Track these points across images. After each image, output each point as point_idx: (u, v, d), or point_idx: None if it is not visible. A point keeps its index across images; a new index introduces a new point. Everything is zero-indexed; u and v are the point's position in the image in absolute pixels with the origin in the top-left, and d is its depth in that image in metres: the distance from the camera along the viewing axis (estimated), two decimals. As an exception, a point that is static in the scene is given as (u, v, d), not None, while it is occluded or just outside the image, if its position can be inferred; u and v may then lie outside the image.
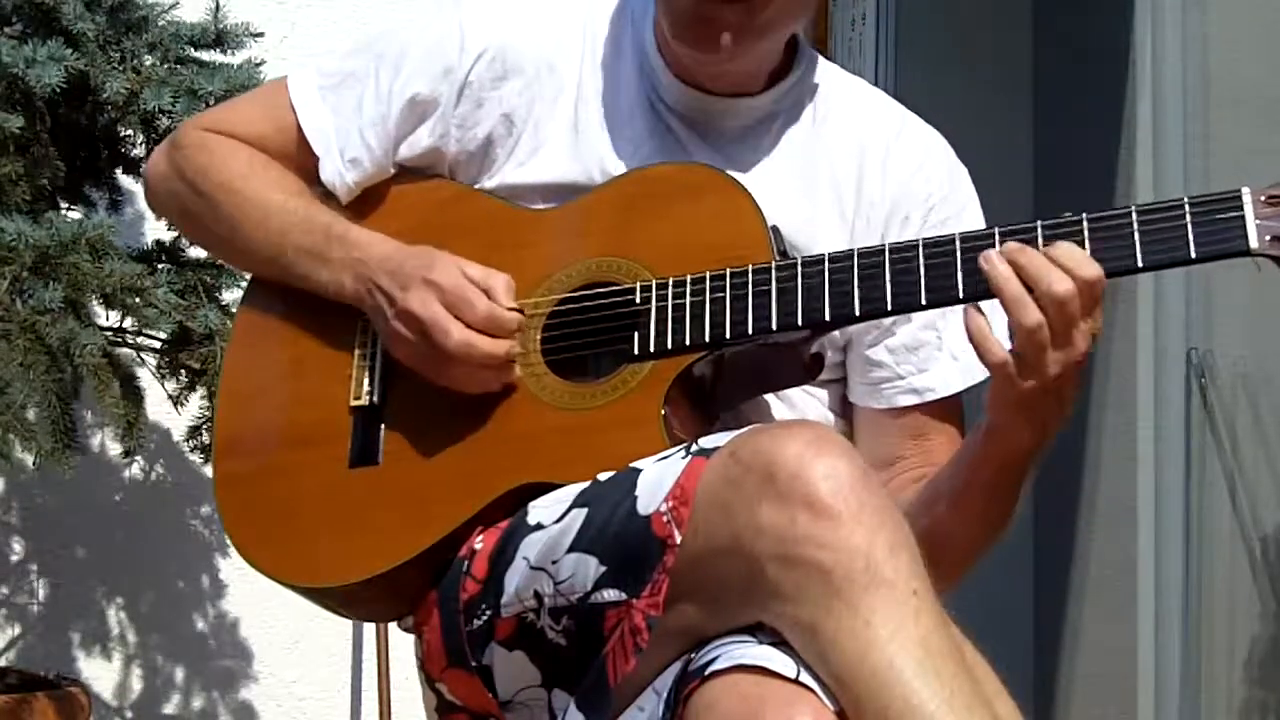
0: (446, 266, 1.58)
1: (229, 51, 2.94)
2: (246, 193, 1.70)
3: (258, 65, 2.90)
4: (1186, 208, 1.42)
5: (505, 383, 1.58)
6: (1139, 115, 3.58)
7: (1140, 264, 1.43)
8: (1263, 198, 1.41)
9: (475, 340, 1.55)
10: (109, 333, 2.72)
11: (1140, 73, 3.57)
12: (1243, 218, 1.41)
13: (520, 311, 1.58)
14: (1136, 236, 1.43)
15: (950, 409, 1.66)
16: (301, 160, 1.72)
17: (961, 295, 1.47)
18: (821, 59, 1.74)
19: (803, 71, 1.70)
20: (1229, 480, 3.46)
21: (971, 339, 1.43)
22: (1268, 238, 1.40)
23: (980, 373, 1.55)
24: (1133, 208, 1.44)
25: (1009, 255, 1.42)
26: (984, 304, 1.44)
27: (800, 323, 1.51)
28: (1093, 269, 1.40)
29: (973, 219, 1.67)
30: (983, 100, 4.03)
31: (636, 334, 1.55)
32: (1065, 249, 1.41)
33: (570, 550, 1.40)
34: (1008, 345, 1.43)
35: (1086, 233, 1.44)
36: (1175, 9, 3.54)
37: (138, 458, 3.16)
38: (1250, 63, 3.53)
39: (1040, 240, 1.44)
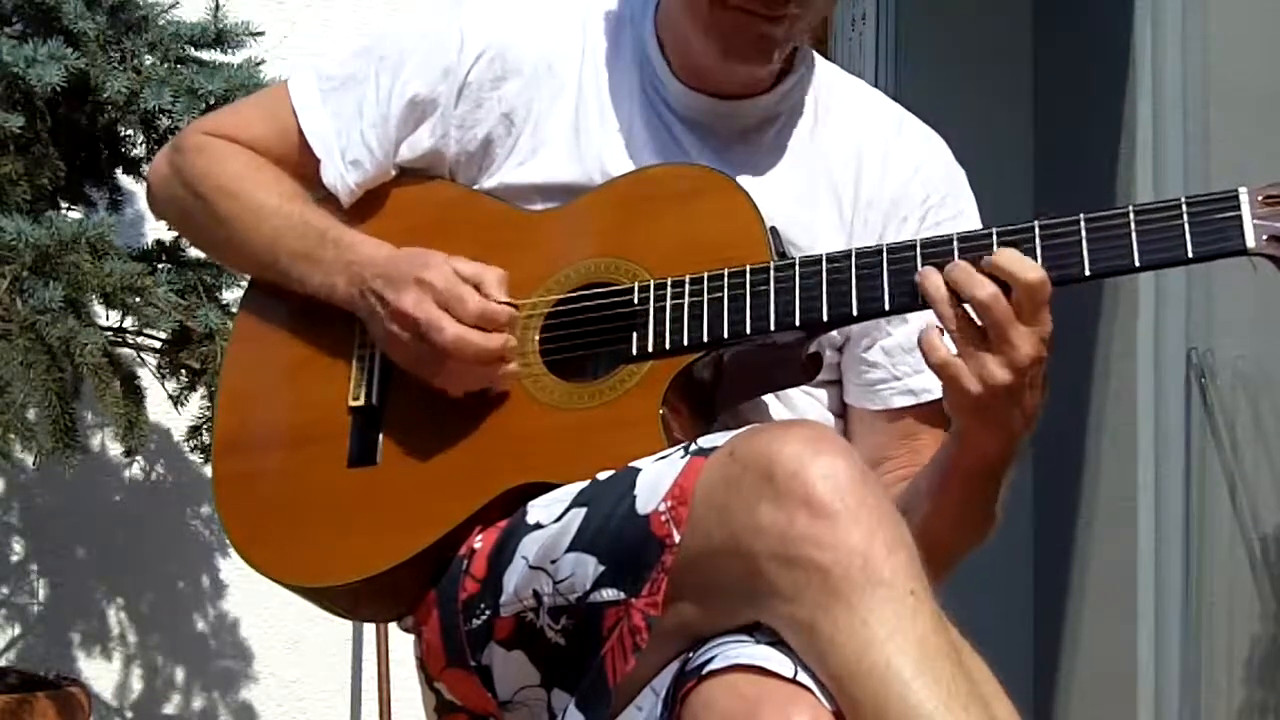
0: (438, 265, 1.58)
1: (229, 51, 2.95)
2: (242, 196, 1.70)
3: (258, 65, 2.91)
4: (1184, 207, 1.42)
5: (500, 377, 1.58)
6: (1139, 115, 3.58)
7: (1138, 264, 1.43)
8: (1260, 197, 1.41)
9: (469, 335, 1.55)
10: (109, 332, 2.72)
11: (1140, 73, 3.57)
12: (1240, 217, 1.41)
13: (515, 306, 1.58)
14: (1134, 236, 1.43)
15: (943, 410, 1.65)
16: (303, 163, 1.73)
17: None
18: (821, 59, 1.74)
19: (803, 72, 1.70)
20: (1229, 480, 3.47)
21: (920, 345, 1.45)
22: (1265, 237, 1.40)
23: None
24: (1130, 208, 1.44)
25: (945, 272, 1.44)
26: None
27: (798, 323, 1.51)
28: (1034, 273, 1.41)
29: (970, 221, 1.67)
30: (983, 100, 4.03)
31: (635, 334, 1.55)
32: (1005, 256, 1.43)
33: (569, 550, 1.40)
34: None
35: (1084, 233, 1.44)
36: (1175, 9, 3.54)
37: (138, 458, 3.17)
38: (1250, 63, 3.53)
39: (1038, 241, 1.44)
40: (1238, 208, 1.41)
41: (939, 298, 1.44)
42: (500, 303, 1.57)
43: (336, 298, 1.64)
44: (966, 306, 1.43)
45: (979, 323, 1.42)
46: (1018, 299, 1.41)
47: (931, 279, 1.44)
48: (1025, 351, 1.42)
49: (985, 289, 1.41)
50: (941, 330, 1.45)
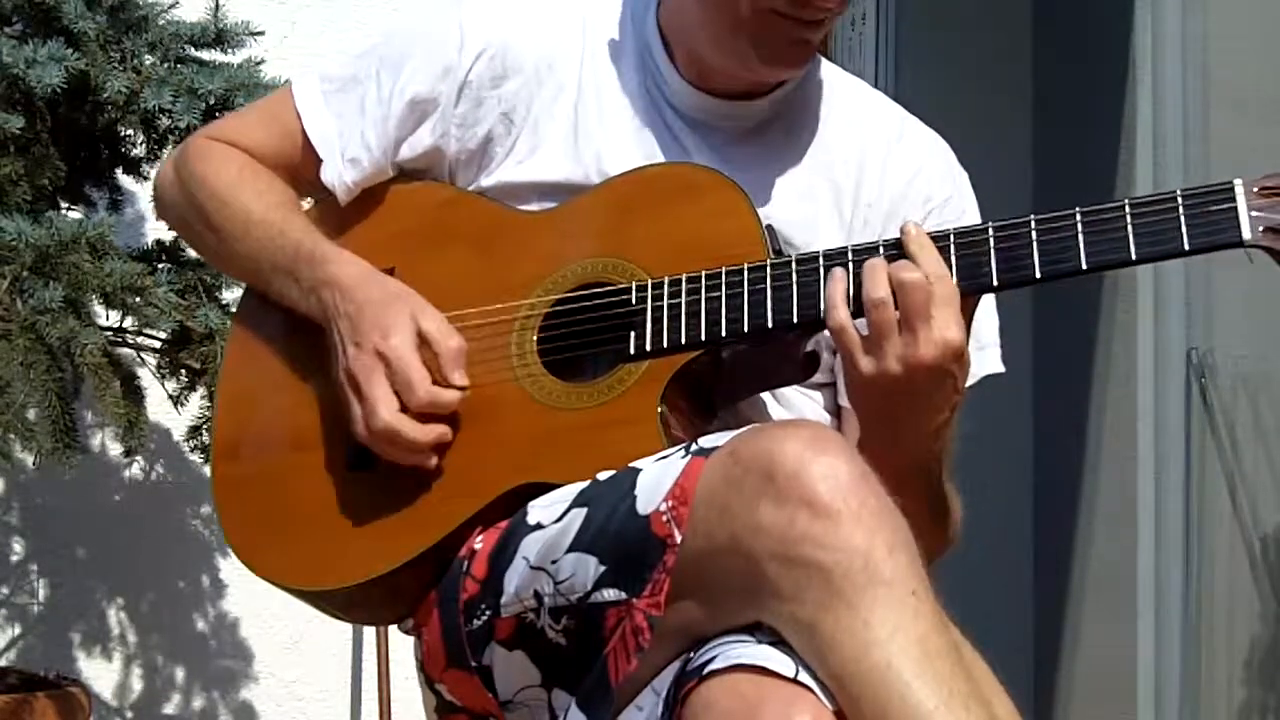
0: (400, 332, 1.57)
1: (229, 50, 2.95)
2: (233, 203, 1.71)
3: (258, 64, 2.91)
4: (1179, 200, 1.42)
5: (426, 465, 1.57)
6: (1139, 115, 3.58)
7: (1134, 257, 1.43)
8: (1255, 189, 1.41)
9: (400, 428, 1.55)
10: (109, 332, 2.72)
11: (1140, 73, 3.57)
12: (1235, 209, 1.41)
13: (464, 389, 1.57)
14: (1130, 229, 1.43)
15: None
16: (305, 165, 1.73)
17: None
18: (822, 59, 1.74)
19: (806, 72, 1.70)
20: (1229, 480, 3.46)
21: (826, 297, 1.46)
22: (1261, 229, 1.40)
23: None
24: (1126, 201, 1.44)
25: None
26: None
27: (795, 321, 1.51)
28: (936, 268, 1.43)
29: (971, 222, 1.67)
30: (983, 100, 4.03)
31: (633, 334, 1.55)
32: (926, 248, 1.45)
33: (570, 550, 1.40)
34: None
35: (1080, 226, 1.44)
36: (1175, 9, 3.54)
37: (138, 458, 3.16)
38: (1250, 63, 3.53)
39: (1034, 235, 1.44)
40: (1233, 200, 1.41)
41: (869, 265, 1.45)
42: (451, 386, 1.56)
43: (313, 317, 1.64)
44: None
45: (895, 310, 1.43)
46: (932, 283, 1.42)
47: (878, 260, 1.46)
48: (923, 350, 1.42)
49: (913, 272, 1.43)
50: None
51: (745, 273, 1.53)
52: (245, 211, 1.70)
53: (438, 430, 1.56)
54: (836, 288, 1.47)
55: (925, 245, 1.46)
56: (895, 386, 1.44)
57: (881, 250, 1.49)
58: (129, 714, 3.36)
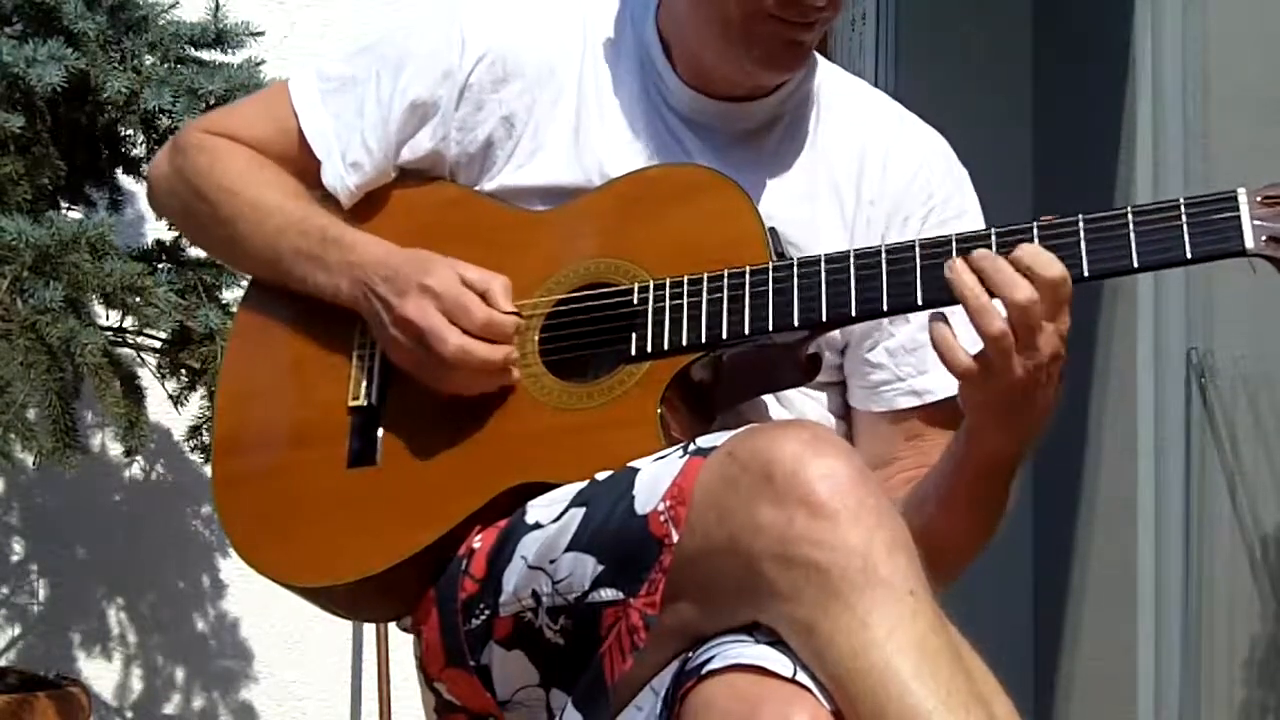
0: (443, 272, 1.58)
1: (229, 51, 2.95)
2: (245, 194, 1.70)
3: (258, 65, 2.91)
4: (1182, 208, 1.42)
5: (504, 385, 1.58)
6: (1139, 115, 3.58)
7: (1136, 265, 1.43)
8: (1259, 198, 1.41)
9: (472, 347, 1.55)
10: (109, 332, 2.72)
11: (1140, 73, 3.57)
12: (1238, 218, 1.41)
13: (518, 314, 1.58)
14: (1132, 237, 1.43)
15: (948, 411, 1.64)
16: (302, 163, 1.73)
17: None
18: (822, 59, 1.74)
19: (806, 73, 1.70)
20: (1229, 480, 3.46)
21: (936, 348, 1.43)
22: (1264, 238, 1.40)
23: None
24: (1129, 209, 1.44)
25: (974, 263, 1.42)
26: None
27: (796, 324, 1.51)
28: (1056, 270, 1.40)
29: (972, 221, 1.67)
30: (983, 100, 4.03)
31: (634, 335, 1.55)
32: (1029, 252, 1.41)
33: (568, 549, 1.40)
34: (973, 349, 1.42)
35: (1082, 233, 1.44)
36: (1175, 9, 3.54)
37: (138, 458, 3.16)
38: (1250, 63, 3.53)
39: (1036, 242, 1.44)
40: (1236, 209, 1.41)
41: (974, 301, 1.40)
42: (506, 312, 1.57)
43: (341, 299, 1.64)
44: (996, 303, 1.40)
45: (1005, 322, 1.40)
46: (1043, 298, 1.39)
47: (964, 276, 1.42)
48: (1045, 352, 1.41)
49: (1023, 290, 1.39)
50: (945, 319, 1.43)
51: (747, 275, 1.53)
52: (258, 201, 1.70)
53: (506, 348, 1.57)
54: (943, 334, 1.42)
55: (1031, 251, 1.41)
56: (1020, 390, 1.41)
57: (884, 254, 1.49)
58: (129, 714, 3.36)
